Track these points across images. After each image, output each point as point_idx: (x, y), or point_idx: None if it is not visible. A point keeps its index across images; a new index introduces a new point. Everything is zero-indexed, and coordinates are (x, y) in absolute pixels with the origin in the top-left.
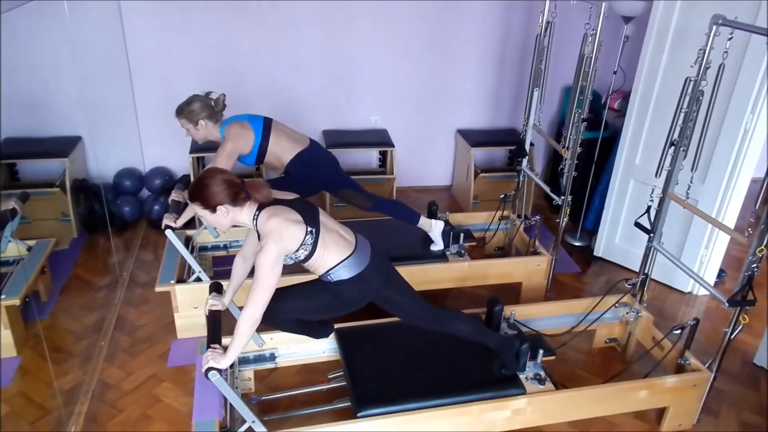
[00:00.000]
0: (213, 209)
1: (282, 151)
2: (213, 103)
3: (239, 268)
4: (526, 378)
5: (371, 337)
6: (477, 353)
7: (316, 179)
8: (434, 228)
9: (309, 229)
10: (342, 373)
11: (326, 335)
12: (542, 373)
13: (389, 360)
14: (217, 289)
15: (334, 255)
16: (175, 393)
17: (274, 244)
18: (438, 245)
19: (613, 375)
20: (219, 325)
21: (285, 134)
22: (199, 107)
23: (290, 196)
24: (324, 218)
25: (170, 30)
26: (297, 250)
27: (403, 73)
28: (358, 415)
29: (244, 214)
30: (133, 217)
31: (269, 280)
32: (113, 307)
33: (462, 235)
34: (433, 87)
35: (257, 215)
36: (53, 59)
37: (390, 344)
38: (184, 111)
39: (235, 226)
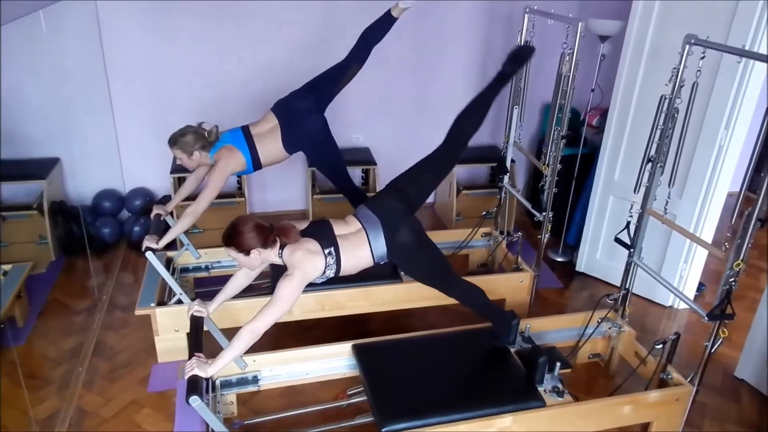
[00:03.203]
0: (247, 253)
1: (273, 148)
2: (206, 134)
3: (238, 280)
4: (545, 391)
5: (388, 353)
6: (493, 368)
7: (311, 133)
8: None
9: (327, 251)
10: (361, 389)
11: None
12: (560, 386)
13: (409, 375)
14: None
15: (363, 249)
16: (156, 419)
17: (299, 273)
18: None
19: (608, 394)
20: (202, 332)
21: (263, 132)
22: (193, 139)
23: (303, 224)
24: (337, 229)
25: (150, 48)
26: (324, 273)
27: (386, 93)
28: (383, 430)
29: (273, 255)
30: (113, 239)
31: (284, 304)
32: (92, 332)
33: None
34: (415, 105)
35: (281, 253)
36: (30, 78)
37: (408, 359)
38: (178, 142)
39: None
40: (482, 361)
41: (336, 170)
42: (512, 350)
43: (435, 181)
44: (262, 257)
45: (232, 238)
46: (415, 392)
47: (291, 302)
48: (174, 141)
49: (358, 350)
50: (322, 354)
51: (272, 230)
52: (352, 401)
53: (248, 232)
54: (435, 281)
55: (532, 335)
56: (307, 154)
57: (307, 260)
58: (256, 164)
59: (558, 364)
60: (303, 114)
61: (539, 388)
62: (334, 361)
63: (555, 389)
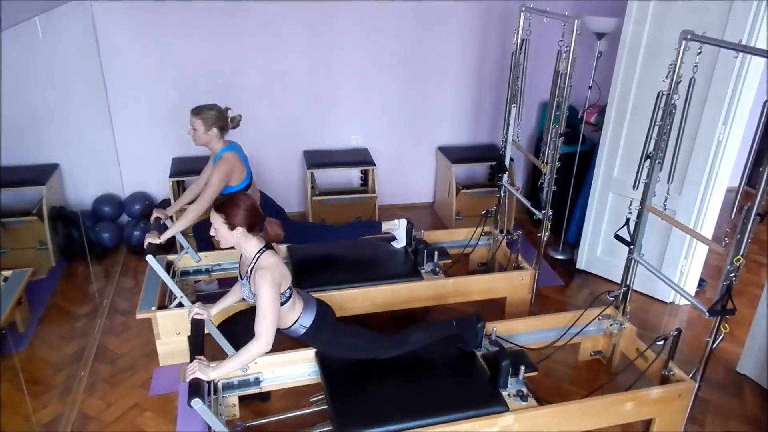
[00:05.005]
0: (232, 227)
1: None
2: (229, 120)
3: (239, 289)
4: (509, 395)
5: (351, 359)
6: (457, 372)
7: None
8: (399, 226)
9: (290, 284)
10: (322, 396)
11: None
12: (524, 390)
13: (370, 381)
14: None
15: (297, 309)
16: (158, 422)
17: (270, 275)
18: (401, 242)
19: (596, 388)
20: (203, 335)
21: (254, 188)
22: (216, 116)
23: (282, 254)
24: None
25: (148, 52)
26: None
27: (383, 93)
28: None
29: (252, 245)
30: (113, 244)
31: (274, 311)
32: (93, 336)
33: (436, 252)
34: (413, 105)
35: (263, 251)
36: (28, 84)
37: (371, 366)
38: (203, 112)
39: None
40: (447, 365)
41: (309, 237)
42: (478, 354)
43: (363, 348)
44: (241, 240)
45: (227, 206)
46: (377, 398)
47: (278, 302)
48: (199, 110)
49: (320, 356)
50: (296, 359)
51: (263, 219)
52: (313, 409)
53: (244, 208)
54: (360, 357)
55: (527, 334)
56: None
57: (284, 271)
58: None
59: (522, 367)
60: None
61: (503, 393)
62: (311, 366)
63: (519, 393)
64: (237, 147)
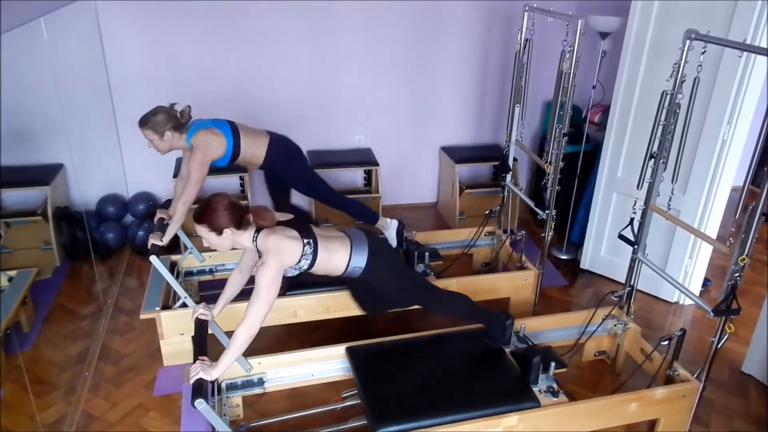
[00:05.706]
0: (219, 232)
1: (255, 148)
2: (179, 115)
3: (235, 280)
4: (540, 391)
5: (382, 355)
6: (488, 369)
7: (298, 162)
8: (390, 226)
9: (306, 240)
10: (355, 391)
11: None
12: (555, 386)
13: (402, 377)
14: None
15: (342, 253)
16: (162, 422)
17: (273, 259)
18: (391, 243)
19: (612, 390)
20: (206, 335)
21: (251, 131)
22: (164, 118)
23: (285, 217)
24: (318, 231)
25: (152, 53)
26: (299, 262)
27: (386, 93)
28: None
29: (245, 238)
30: (117, 244)
31: (269, 293)
32: (97, 336)
33: (427, 254)
34: (416, 105)
35: (256, 236)
36: (33, 85)
37: (401, 361)
38: (149, 122)
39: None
40: (477, 362)
41: (317, 192)
42: (507, 350)
43: (417, 297)
44: (234, 239)
45: (205, 214)
46: (409, 394)
47: (275, 289)
48: (145, 121)
49: (351, 352)
50: (325, 356)
51: (247, 210)
52: (346, 404)
53: (222, 209)
54: (409, 302)
55: (535, 334)
56: (285, 176)
57: (283, 244)
58: (235, 154)
59: (553, 363)
60: (295, 148)
61: (534, 389)
62: (339, 362)
63: (550, 389)
64: (198, 124)
